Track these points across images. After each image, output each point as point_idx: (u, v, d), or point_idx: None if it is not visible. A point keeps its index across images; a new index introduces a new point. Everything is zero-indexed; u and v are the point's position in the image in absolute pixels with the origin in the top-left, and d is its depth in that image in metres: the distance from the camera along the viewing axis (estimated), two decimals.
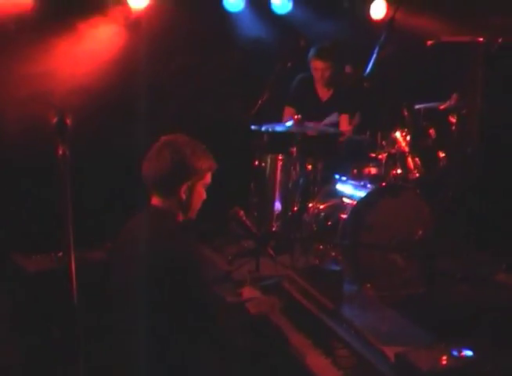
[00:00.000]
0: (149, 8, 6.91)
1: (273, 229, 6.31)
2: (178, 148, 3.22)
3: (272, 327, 3.58)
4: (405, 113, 6.23)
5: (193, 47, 7.45)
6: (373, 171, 6.23)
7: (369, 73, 6.62)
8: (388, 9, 7.90)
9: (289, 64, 6.47)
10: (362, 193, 5.85)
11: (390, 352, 3.06)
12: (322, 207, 6.10)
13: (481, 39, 6.80)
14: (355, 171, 6.29)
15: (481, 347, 3.03)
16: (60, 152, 2.37)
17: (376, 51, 6.68)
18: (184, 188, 3.22)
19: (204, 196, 3.35)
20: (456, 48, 6.85)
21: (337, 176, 6.27)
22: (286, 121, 6.51)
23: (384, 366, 3.02)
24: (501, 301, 5.53)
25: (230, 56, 7.83)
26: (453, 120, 6.31)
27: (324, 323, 3.51)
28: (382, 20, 7.92)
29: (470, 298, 5.52)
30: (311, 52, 6.80)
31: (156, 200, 3.29)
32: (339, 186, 6.19)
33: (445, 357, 2.91)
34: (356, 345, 3.25)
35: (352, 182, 6.14)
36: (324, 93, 6.97)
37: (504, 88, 6.69)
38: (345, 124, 6.84)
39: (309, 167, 6.31)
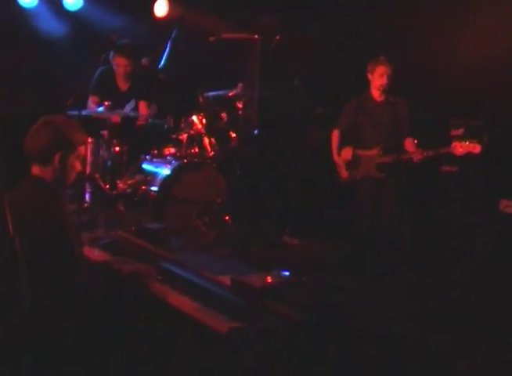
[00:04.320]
0: None
1: (85, 205, 6.91)
2: (53, 123, 3.74)
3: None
4: (200, 100, 7.13)
5: None
6: (172, 150, 7.07)
7: (163, 65, 7.47)
8: (170, 7, 8.66)
9: (103, 56, 7.16)
10: (166, 170, 6.69)
11: (225, 280, 3.90)
12: (130, 182, 6.84)
13: (257, 36, 7.87)
14: (156, 151, 7.11)
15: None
16: None
17: (168, 46, 7.54)
18: (57, 157, 3.71)
19: (79, 168, 3.86)
20: (237, 43, 7.82)
21: (141, 156, 7.04)
22: (92, 108, 7.17)
23: (223, 291, 3.83)
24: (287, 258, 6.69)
25: (25, 51, 8.22)
26: (240, 105, 7.30)
27: (168, 269, 4.23)
28: (165, 17, 8.67)
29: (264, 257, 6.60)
30: (114, 49, 7.40)
31: (35, 170, 3.76)
32: (144, 165, 6.98)
33: (269, 277, 3.81)
34: (197, 280, 4.02)
35: (156, 160, 6.95)
36: (123, 84, 7.62)
37: (280, 78, 7.80)
38: (144, 109, 7.58)
39: (117, 149, 6.99)
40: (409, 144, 6.70)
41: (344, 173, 6.85)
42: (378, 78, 6.72)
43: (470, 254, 6.56)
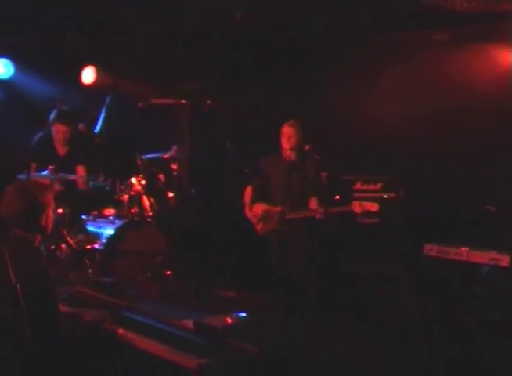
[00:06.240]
0: None
1: None
2: (27, 191, 4.09)
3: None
4: (139, 162, 7.53)
5: None
6: (112, 211, 7.42)
7: (99, 130, 7.88)
8: (97, 74, 9.07)
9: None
10: (109, 229, 7.04)
11: (188, 324, 4.29)
12: (73, 242, 7.13)
13: (185, 101, 8.39)
14: (96, 212, 7.45)
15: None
16: None
17: (103, 111, 7.96)
18: (43, 219, 4.10)
19: (52, 215, 4.27)
20: (169, 108, 8.31)
21: (83, 217, 7.37)
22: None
23: (187, 333, 4.22)
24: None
25: None
26: (175, 167, 7.76)
27: (130, 317, 4.58)
28: (93, 84, 9.06)
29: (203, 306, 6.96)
30: (54, 116, 7.75)
31: (19, 231, 4.07)
32: (87, 226, 7.31)
33: (228, 318, 4.25)
34: (162, 325, 4.40)
35: (99, 220, 7.30)
36: (62, 149, 7.93)
37: (210, 138, 8.31)
38: (82, 172, 7.87)
39: (59, 211, 7.28)
40: (313, 202, 7.19)
41: (257, 227, 7.36)
42: (285, 141, 7.25)
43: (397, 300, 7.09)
